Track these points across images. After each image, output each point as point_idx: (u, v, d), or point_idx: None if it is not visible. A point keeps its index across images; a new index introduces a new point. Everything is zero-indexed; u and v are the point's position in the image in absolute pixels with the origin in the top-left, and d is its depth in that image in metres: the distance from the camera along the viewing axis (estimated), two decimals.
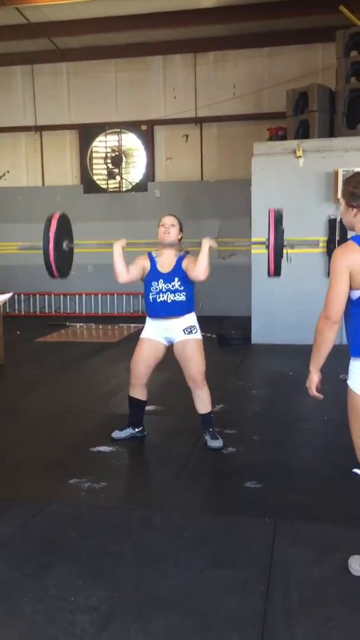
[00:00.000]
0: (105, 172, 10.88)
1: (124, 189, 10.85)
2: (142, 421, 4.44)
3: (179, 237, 4.19)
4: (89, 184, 10.93)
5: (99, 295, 10.61)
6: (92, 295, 10.64)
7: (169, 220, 4.17)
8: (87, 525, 3.17)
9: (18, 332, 9.21)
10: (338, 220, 7.49)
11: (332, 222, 7.53)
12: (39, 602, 2.52)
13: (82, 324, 9.91)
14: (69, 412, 5.20)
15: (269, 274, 3.93)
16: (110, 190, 10.84)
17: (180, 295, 4.10)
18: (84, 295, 10.63)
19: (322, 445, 4.34)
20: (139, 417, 4.42)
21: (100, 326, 9.77)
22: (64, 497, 3.54)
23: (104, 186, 10.91)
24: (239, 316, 8.85)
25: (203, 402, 4.22)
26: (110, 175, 10.82)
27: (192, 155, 10.57)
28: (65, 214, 4.18)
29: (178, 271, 4.11)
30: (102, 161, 10.93)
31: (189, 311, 4.17)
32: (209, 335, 7.80)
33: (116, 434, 4.41)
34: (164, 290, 4.10)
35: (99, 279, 10.57)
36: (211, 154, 10.51)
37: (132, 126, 10.70)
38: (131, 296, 10.43)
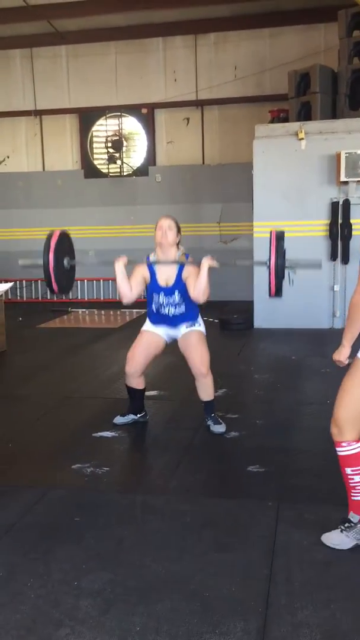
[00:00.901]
0: (105, 156, 10.80)
1: (125, 174, 10.78)
2: (143, 407, 4.44)
3: (177, 240, 4.13)
4: (89, 169, 10.86)
5: (101, 280, 10.58)
6: (94, 281, 10.62)
7: (165, 222, 4.07)
8: (90, 510, 3.17)
9: (20, 319, 9.20)
10: (340, 203, 7.44)
11: (334, 205, 7.48)
12: (43, 586, 2.53)
13: (84, 310, 9.90)
14: (72, 397, 5.20)
15: (270, 295, 3.87)
16: (111, 174, 10.77)
17: (180, 308, 4.10)
18: (85, 281, 10.61)
19: (324, 429, 4.29)
20: (139, 405, 4.41)
21: (103, 312, 9.76)
22: (66, 482, 3.55)
23: (105, 171, 10.84)
24: (241, 301, 8.83)
25: (206, 391, 4.21)
26: (111, 159, 10.75)
27: (193, 138, 10.49)
28: (67, 232, 4.13)
29: (178, 284, 4.06)
30: (102, 145, 10.85)
31: (190, 319, 4.16)
32: (211, 320, 7.79)
33: (118, 420, 4.41)
34: (164, 304, 4.09)
35: (101, 265, 10.53)
36: (212, 137, 10.43)
37: (132, 110, 10.61)
38: None
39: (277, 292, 3.84)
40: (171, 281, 4.07)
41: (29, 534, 2.95)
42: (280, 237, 3.78)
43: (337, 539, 2.75)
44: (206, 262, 3.89)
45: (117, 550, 2.79)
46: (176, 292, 4.06)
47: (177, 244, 4.13)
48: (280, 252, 3.74)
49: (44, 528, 3.00)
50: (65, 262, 4.05)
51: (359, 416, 2.67)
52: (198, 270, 3.92)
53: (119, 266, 4.04)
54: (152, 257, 4.15)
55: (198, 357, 4.11)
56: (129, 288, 4.06)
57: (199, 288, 3.90)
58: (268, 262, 3.73)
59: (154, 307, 4.15)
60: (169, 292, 4.07)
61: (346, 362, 2.73)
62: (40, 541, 2.87)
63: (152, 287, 4.13)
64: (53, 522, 3.07)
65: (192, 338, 4.13)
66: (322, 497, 3.25)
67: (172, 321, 4.15)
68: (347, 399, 2.68)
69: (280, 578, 2.55)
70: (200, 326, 4.19)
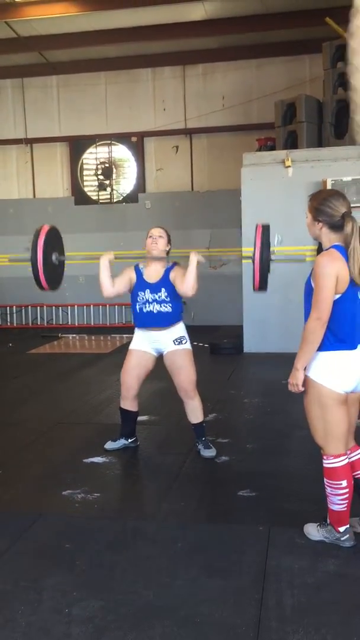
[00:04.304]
0: (96, 183, 10.93)
1: (114, 200, 10.91)
2: (134, 432, 4.45)
3: (167, 249, 4.21)
4: (79, 196, 10.97)
5: (91, 306, 10.63)
6: (84, 307, 10.66)
7: (156, 231, 4.19)
8: (81, 536, 3.16)
9: (10, 344, 9.20)
10: None
11: None
12: (34, 613, 2.52)
13: (74, 335, 9.91)
14: (62, 423, 5.19)
15: (254, 289, 3.91)
16: (101, 201, 10.89)
17: (166, 306, 4.09)
18: (76, 306, 10.65)
19: (314, 453, 4.32)
20: (130, 428, 4.42)
21: (93, 337, 9.78)
22: (57, 508, 3.54)
23: (95, 198, 10.96)
24: (230, 325, 8.88)
25: (195, 413, 4.23)
26: (101, 186, 10.88)
27: (182, 166, 10.65)
28: (55, 227, 4.19)
29: (165, 282, 4.10)
30: (92, 173, 10.98)
31: (175, 322, 4.16)
32: (201, 344, 7.83)
33: (109, 445, 4.41)
34: (150, 300, 4.09)
35: (91, 290, 10.58)
36: (201, 165, 10.59)
37: (122, 138, 10.78)
38: (123, 307, 10.46)
39: (262, 285, 3.85)
40: (158, 278, 4.11)
41: (20, 561, 2.94)
42: (265, 229, 3.80)
43: (310, 530, 3.05)
44: (194, 257, 3.99)
45: (108, 576, 2.79)
46: (162, 289, 4.08)
47: (167, 253, 4.21)
48: (265, 244, 3.76)
49: (34, 555, 2.99)
50: (54, 257, 4.09)
51: (330, 431, 2.88)
52: (185, 272, 4.00)
53: (104, 261, 4.12)
54: (141, 265, 4.22)
55: (185, 377, 4.14)
56: (111, 282, 4.12)
57: (188, 281, 3.97)
58: (253, 256, 3.77)
59: (138, 307, 4.14)
60: (155, 288, 4.10)
61: (302, 388, 2.87)
62: (31, 568, 2.86)
63: (138, 285, 4.14)
64: (44, 549, 3.06)
65: (180, 357, 4.13)
66: (314, 521, 3.25)
67: (157, 320, 4.11)
68: (313, 420, 2.92)
69: (271, 603, 2.55)
70: (186, 343, 4.19)
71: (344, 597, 2.59)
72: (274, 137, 8.41)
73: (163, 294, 4.08)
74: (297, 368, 2.85)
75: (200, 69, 10.35)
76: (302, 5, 8.38)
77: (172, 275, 4.10)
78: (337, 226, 2.85)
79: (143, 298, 4.11)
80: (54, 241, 4.16)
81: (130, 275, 4.19)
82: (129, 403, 4.31)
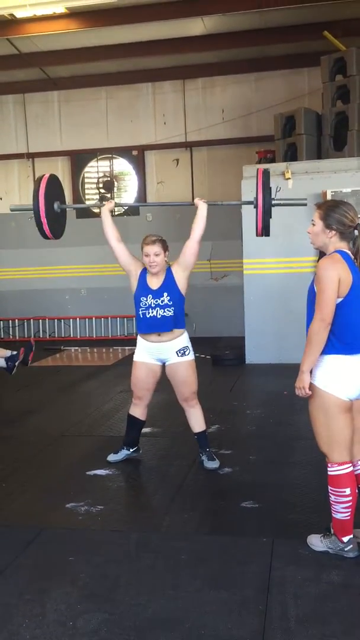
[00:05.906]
0: (97, 197, 11.00)
1: (116, 213, 10.96)
2: (137, 441, 4.46)
3: (166, 260, 4.20)
4: (81, 209, 11.02)
5: (93, 318, 10.65)
6: (86, 319, 10.68)
7: (152, 250, 4.10)
8: (85, 549, 3.17)
9: None
10: None
11: None
12: (38, 627, 2.52)
13: (76, 348, 9.93)
14: (65, 436, 5.20)
15: (257, 234, 3.90)
16: None
17: (169, 311, 4.08)
18: (78, 319, 10.67)
19: (317, 463, 4.34)
20: (134, 437, 4.43)
21: (95, 349, 9.79)
22: (61, 521, 3.54)
23: (97, 211, 11.01)
24: (232, 336, 8.90)
25: (197, 420, 4.25)
26: (103, 200, 10.94)
27: (183, 178, 10.72)
28: (55, 175, 4.23)
29: (167, 286, 4.10)
30: (94, 186, 11.07)
31: (178, 326, 4.14)
32: (203, 356, 7.84)
33: (112, 457, 4.42)
34: (152, 305, 4.09)
35: (93, 303, 10.64)
36: (202, 178, 10.66)
37: (123, 151, 10.86)
38: (125, 319, 10.48)
39: (264, 230, 3.85)
40: (160, 284, 4.12)
41: (24, 574, 2.94)
42: (266, 173, 3.81)
43: (313, 541, 3.06)
44: (203, 204, 4.27)
45: (112, 589, 2.79)
46: (165, 294, 4.08)
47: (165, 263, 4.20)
48: (267, 188, 3.76)
49: (38, 568, 2.99)
50: (56, 206, 4.12)
51: (334, 437, 2.89)
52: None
53: (105, 210, 4.19)
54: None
55: (187, 388, 4.18)
56: (115, 233, 4.19)
57: (199, 225, 4.24)
58: (255, 201, 3.77)
59: (140, 312, 4.12)
60: (157, 293, 4.10)
61: (309, 391, 2.91)
62: (35, 581, 2.86)
63: (140, 289, 4.14)
64: (47, 562, 3.06)
65: (182, 369, 4.15)
66: (317, 532, 3.25)
67: (160, 325, 4.09)
68: (317, 427, 2.95)
69: (275, 614, 2.55)
70: (190, 354, 4.19)
71: (348, 608, 2.58)
72: (274, 149, 8.47)
73: (166, 298, 4.08)
74: (303, 371, 2.89)
75: (200, 83, 10.45)
76: (300, 19, 8.46)
77: (174, 270, 4.14)
78: (347, 236, 2.90)
79: (145, 303, 4.11)
80: (55, 190, 4.18)
81: (135, 262, 4.21)
82: (139, 411, 4.34)
